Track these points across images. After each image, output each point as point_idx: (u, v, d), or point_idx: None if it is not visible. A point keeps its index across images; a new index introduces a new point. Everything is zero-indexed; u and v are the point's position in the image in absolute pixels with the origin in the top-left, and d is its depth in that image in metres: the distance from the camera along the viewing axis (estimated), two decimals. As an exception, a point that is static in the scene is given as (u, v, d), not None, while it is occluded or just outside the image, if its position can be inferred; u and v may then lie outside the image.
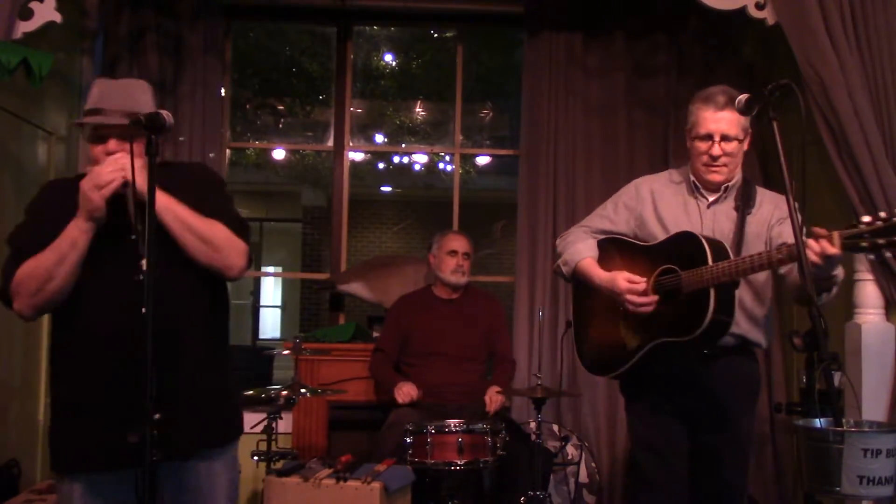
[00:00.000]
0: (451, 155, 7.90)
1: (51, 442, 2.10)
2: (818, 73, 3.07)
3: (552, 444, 3.92)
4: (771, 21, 3.24)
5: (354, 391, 4.00)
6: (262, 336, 13.93)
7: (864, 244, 2.06)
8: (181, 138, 4.22)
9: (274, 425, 3.42)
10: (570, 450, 3.96)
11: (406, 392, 3.69)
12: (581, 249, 2.74)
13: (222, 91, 4.47)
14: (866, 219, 2.07)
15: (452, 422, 3.31)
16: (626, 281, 2.55)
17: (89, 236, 1.97)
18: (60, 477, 2.11)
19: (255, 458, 3.39)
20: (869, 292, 3.21)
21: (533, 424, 3.37)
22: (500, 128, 9.63)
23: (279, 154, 10.33)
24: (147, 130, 1.87)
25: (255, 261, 13.33)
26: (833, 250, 2.08)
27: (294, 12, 4.84)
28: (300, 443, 4.01)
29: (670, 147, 4.27)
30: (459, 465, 3.25)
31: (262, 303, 14.46)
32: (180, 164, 2.08)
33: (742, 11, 3.28)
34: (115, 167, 1.96)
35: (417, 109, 9.73)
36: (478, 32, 6.92)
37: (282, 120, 9.66)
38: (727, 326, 2.43)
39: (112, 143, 2.02)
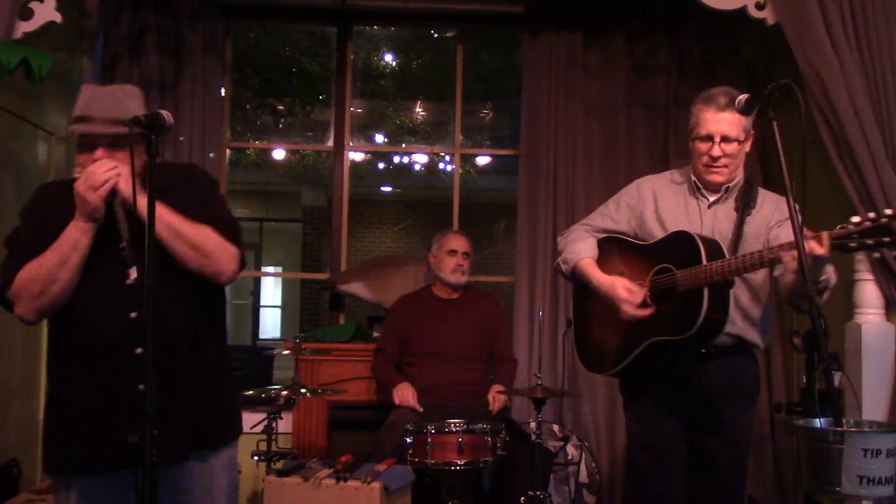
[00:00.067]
0: (451, 155, 7.90)
1: (45, 444, 2.10)
2: (818, 73, 3.07)
3: (552, 444, 3.92)
4: (771, 21, 3.24)
5: (354, 391, 4.00)
6: (262, 336, 13.93)
7: (852, 244, 2.07)
8: (181, 138, 4.23)
9: (274, 425, 3.42)
10: (570, 450, 3.96)
11: (404, 396, 3.69)
12: (581, 249, 2.76)
13: (222, 91, 4.47)
14: (855, 219, 2.08)
15: (453, 422, 3.31)
16: (624, 290, 2.58)
17: (90, 236, 1.97)
18: (57, 480, 2.11)
19: (255, 458, 3.39)
20: (869, 292, 3.21)
21: (533, 424, 3.36)
22: (500, 128, 9.61)
23: (279, 154, 10.32)
24: (147, 130, 1.87)
25: (255, 261, 13.38)
26: (820, 251, 2.09)
27: (294, 12, 4.84)
28: (300, 443, 4.01)
29: (670, 147, 4.27)
30: (459, 465, 3.25)
31: (262, 303, 14.46)
32: (172, 165, 2.07)
33: (742, 11, 3.28)
34: (109, 167, 1.95)
35: (417, 109, 9.72)
36: (478, 32, 6.92)
37: (282, 120, 9.65)
38: (722, 325, 2.44)
39: (99, 153, 2.00)
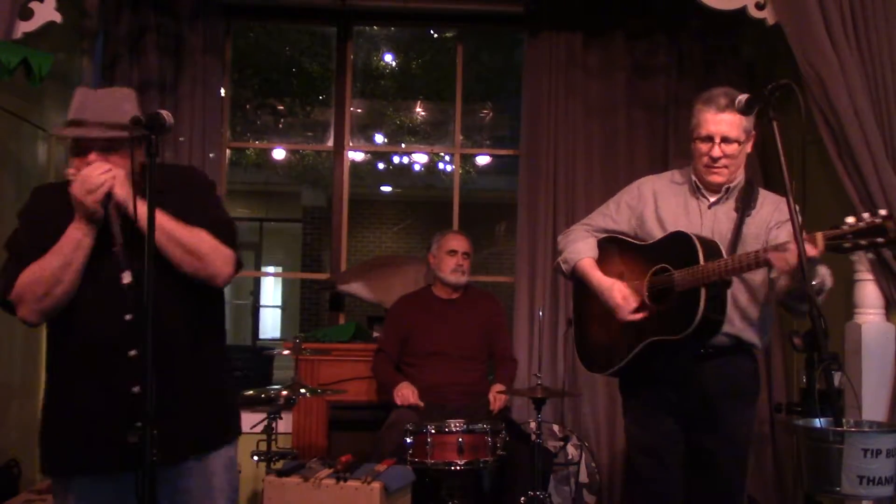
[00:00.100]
0: (451, 155, 7.90)
1: (40, 445, 2.10)
2: (818, 73, 3.07)
3: (552, 444, 3.92)
4: (771, 21, 3.24)
5: (354, 391, 3.99)
6: (262, 336, 13.93)
7: (847, 245, 2.08)
8: (181, 138, 4.23)
9: (274, 425, 3.42)
10: (570, 450, 3.96)
11: (404, 395, 3.69)
12: (581, 249, 2.77)
13: (222, 91, 4.47)
14: (850, 220, 2.09)
15: (453, 422, 3.31)
16: (620, 295, 2.59)
17: (92, 237, 1.98)
18: (56, 481, 2.11)
19: (255, 458, 3.39)
20: (869, 292, 3.21)
21: (533, 424, 3.36)
22: (500, 128, 9.61)
23: (279, 154, 10.32)
24: (147, 131, 1.87)
25: (255, 261, 13.38)
26: (812, 252, 2.10)
27: (294, 12, 4.84)
28: (300, 443, 4.01)
29: (670, 147, 4.27)
30: (459, 465, 3.25)
31: (262, 303, 14.46)
32: (170, 166, 2.08)
33: (742, 11, 3.28)
34: (103, 169, 1.95)
35: (417, 109, 9.72)
36: (478, 32, 6.92)
37: (282, 120, 9.65)
38: (719, 325, 2.44)
39: (92, 157, 1.99)
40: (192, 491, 2.08)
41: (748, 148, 2.59)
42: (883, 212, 2.06)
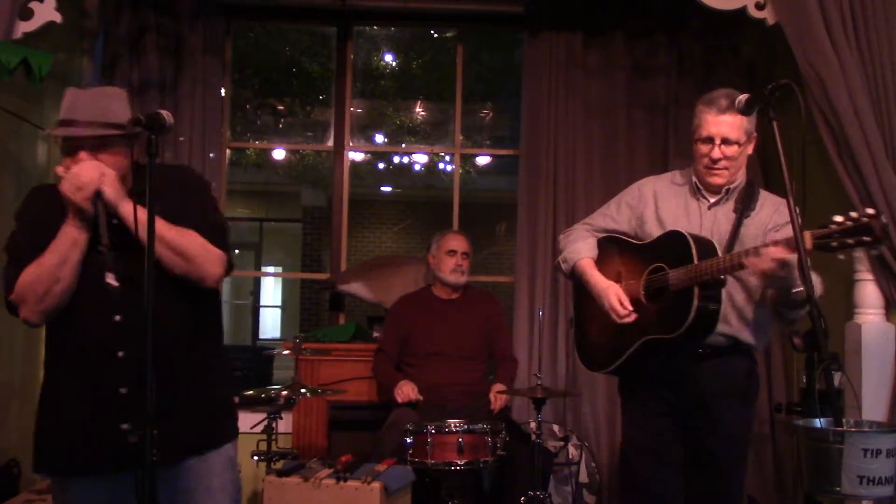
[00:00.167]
0: (451, 155, 7.90)
1: (33, 444, 2.10)
2: (818, 73, 3.07)
3: (552, 444, 3.92)
4: (771, 21, 3.24)
5: (354, 391, 3.99)
6: (262, 336, 13.93)
7: (833, 244, 2.08)
8: (181, 138, 4.23)
9: (274, 425, 3.42)
10: (571, 450, 3.96)
11: (405, 392, 3.69)
12: (580, 249, 2.79)
13: (222, 91, 4.47)
14: (838, 219, 2.09)
15: (453, 422, 3.31)
16: (615, 299, 2.61)
17: (87, 234, 1.98)
18: (55, 482, 2.12)
19: (255, 458, 3.39)
20: (869, 292, 3.21)
21: (533, 424, 3.36)
22: (500, 128, 9.61)
23: (279, 154, 10.33)
24: (147, 130, 1.87)
25: (255, 261, 13.38)
26: (784, 254, 2.10)
27: (294, 12, 4.84)
28: (300, 443, 4.01)
29: (670, 147, 4.27)
30: (459, 465, 3.25)
31: (262, 303, 14.46)
32: (163, 166, 2.08)
33: (742, 11, 3.28)
34: (93, 167, 1.95)
35: (417, 109, 9.72)
36: (478, 32, 6.92)
37: (282, 120, 9.65)
38: (713, 324, 2.45)
39: (82, 156, 1.99)
40: (191, 491, 2.08)
41: (749, 150, 2.59)
42: (871, 210, 2.07)
